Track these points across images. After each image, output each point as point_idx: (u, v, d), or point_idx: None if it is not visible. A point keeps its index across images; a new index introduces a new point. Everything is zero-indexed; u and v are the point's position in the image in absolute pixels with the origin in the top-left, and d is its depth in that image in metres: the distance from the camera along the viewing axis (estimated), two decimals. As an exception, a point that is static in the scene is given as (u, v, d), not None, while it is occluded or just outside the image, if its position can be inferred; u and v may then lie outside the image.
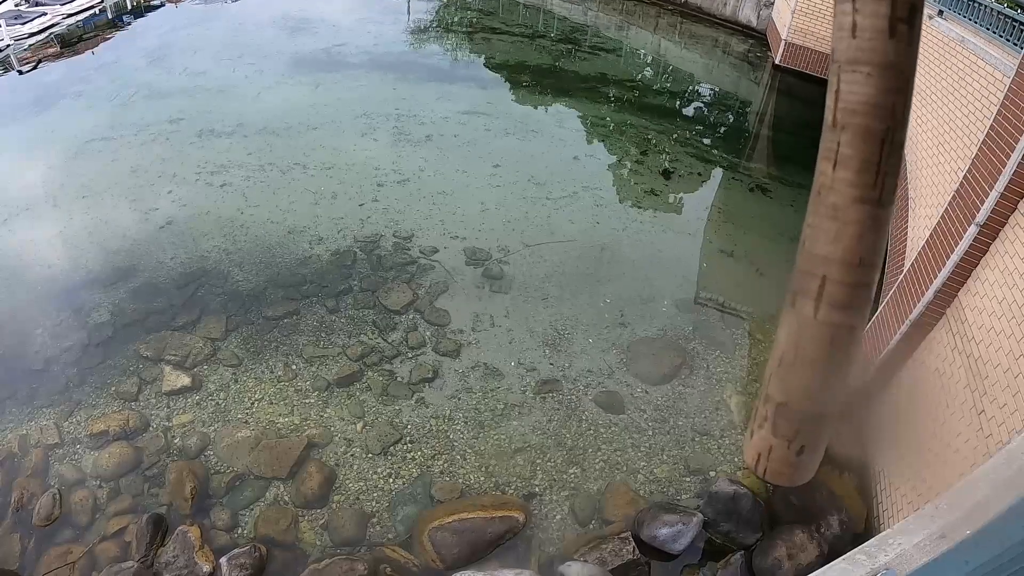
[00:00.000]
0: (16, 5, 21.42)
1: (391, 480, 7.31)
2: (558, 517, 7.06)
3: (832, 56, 0.49)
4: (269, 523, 6.78)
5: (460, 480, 7.34)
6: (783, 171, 15.17)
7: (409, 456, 7.58)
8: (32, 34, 20.01)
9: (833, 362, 0.54)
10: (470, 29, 24.54)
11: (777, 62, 19.90)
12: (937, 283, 6.77)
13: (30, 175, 12.43)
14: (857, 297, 0.51)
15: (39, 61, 18.47)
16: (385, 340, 9.11)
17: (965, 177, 6.88)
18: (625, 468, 7.61)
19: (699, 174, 14.65)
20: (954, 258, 6.58)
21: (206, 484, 7.12)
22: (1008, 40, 7.94)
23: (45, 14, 21.03)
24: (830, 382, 0.55)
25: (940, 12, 9.70)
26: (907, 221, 8.94)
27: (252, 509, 6.96)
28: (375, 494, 7.16)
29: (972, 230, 6.34)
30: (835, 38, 0.48)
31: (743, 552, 6.65)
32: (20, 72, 17.87)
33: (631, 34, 25.36)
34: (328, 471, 7.31)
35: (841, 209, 0.49)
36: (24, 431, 7.59)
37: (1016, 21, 7.78)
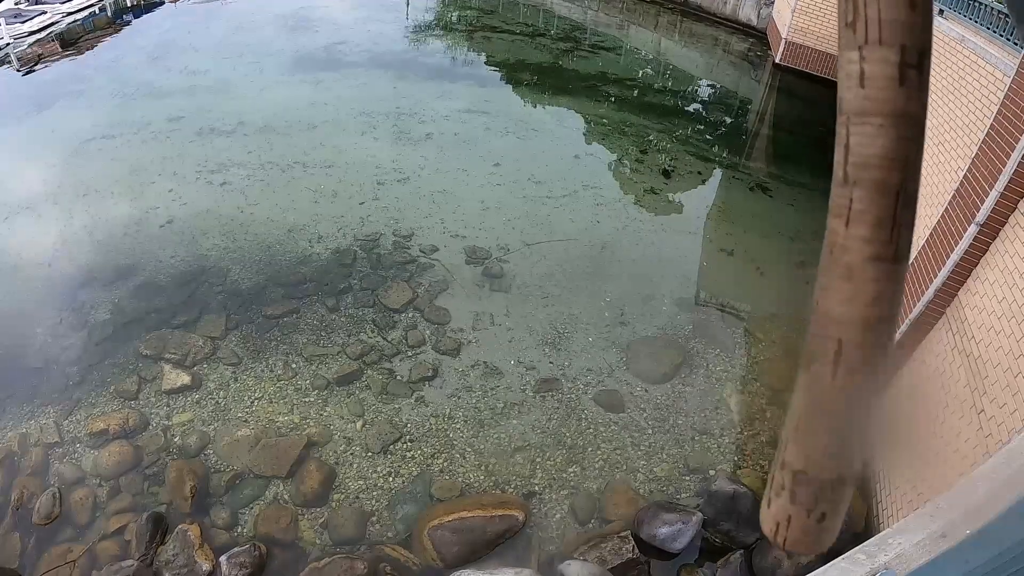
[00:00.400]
0: (16, 4, 21.41)
1: (391, 479, 7.31)
2: (558, 516, 7.06)
3: (839, 108, 0.47)
4: (269, 522, 6.78)
5: (460, 479, 7.34)
6: (783, 170, 15.16)
7: (409, 455, 7.58)
8: (32, 33, 19.99)
9: (853, 426, 0.53)
10: (470, 27, 24.53)
11: (777, 61, 19.88)
12: (937, 282, 6.77)
13: (30, 174, 12.43)
14: (876, 358, 0.50)
15: (39, 60, 18.46)
16: (385, 339, 9.11)
17: (965, 176, 6.87)
18: (625, 467, 7.61)
19: (699, 173, 14.65)
20: (954, 257, 6.58)
21: (206, 483, 7.12)
22: (1008, 39, 7.93)
23: (45, 12, 21.01)
24: (850, 446, 0.54)
25: (940, 11, 9.70)
26: (907, 220, 8.87)
27: (252, 508, 6.96)
28: (375, 493, 7.16)
29: (972, 229, 6.34)
30: (842, 88, 0.47)
31: (743, 551, 6.65)
32: (20, 71, 17.86)
33: (631, 33, 25.34)
34: (328, 470, 7.31)
35: (856, 268, 0.48)
36: (24, 430, 7.59)
37: (1016, 20, 7.75)
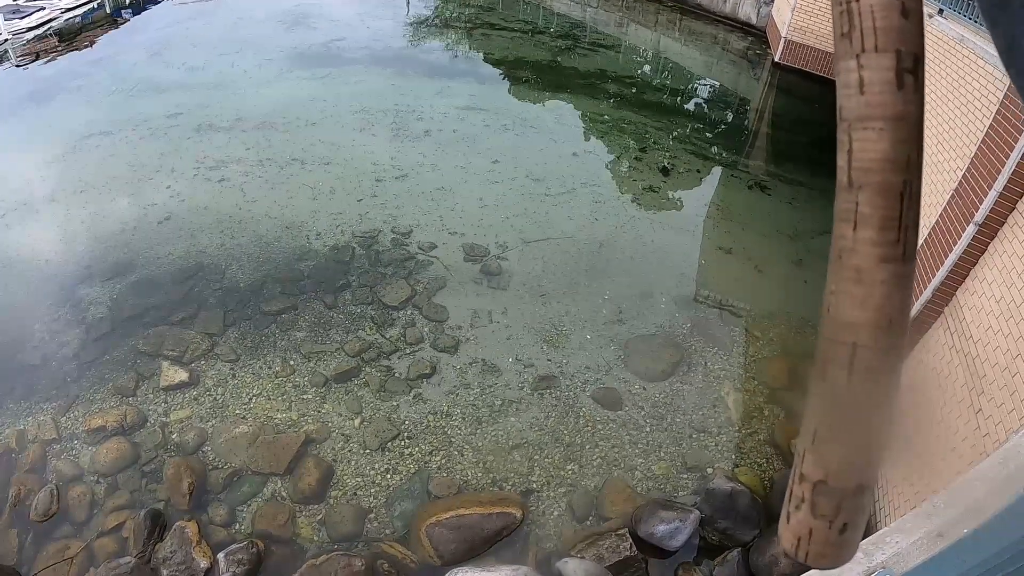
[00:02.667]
0: (14, 0, 21.36)
1: (389, 476, 7.31)
2: (555, 513, 7.07)
3: (840, 116, 0.48)
4: (266, 519, 6.78)
5: (458, 476, 7.35)
6: (782, 168, 15.16)
7: (407, 452, 7.58)
8: (30, 29, 19.94)
9: (871, 431, 0.53)
10: (469, 25, 24.49)
11: (777, 59, 19.87)
12: (935, 282, 6.78)
13: (28, 170, 12.40)
14: (890, 360, 0.50)
15: (37, 56, 18.41)
16: (383, 336, 9.11)
17: (964, 176, 6.88)
18: (623, 465, 7.62)
19: (698, 171, 14.65)
20: (952, 257, 6.58)
21: (204, 480, 7.12)
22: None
23: (43, 8, 20.95)
24: (870, 452, 0.54)
25: (940, 11, 9.69)
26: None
27: (250, 505, 6.96)
28: (373, 490, 7.16)
29: (971, 229, 6.35)
30: (842, 96, 0.48)
31: (740, 549, 6.66)
32: (18, 67, 17.81)
33: (630, 31, 25.32)
34: (326, 467, 7.31)
35: (865, 271, 0.48)
36: (22, 427, 7.58)
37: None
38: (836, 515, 0.58)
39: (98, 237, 10.67)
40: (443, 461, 7.51)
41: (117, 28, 21.24)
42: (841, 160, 0.52)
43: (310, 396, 8.19)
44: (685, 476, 7.56)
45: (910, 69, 0.49)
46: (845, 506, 0.58)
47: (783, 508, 0.63)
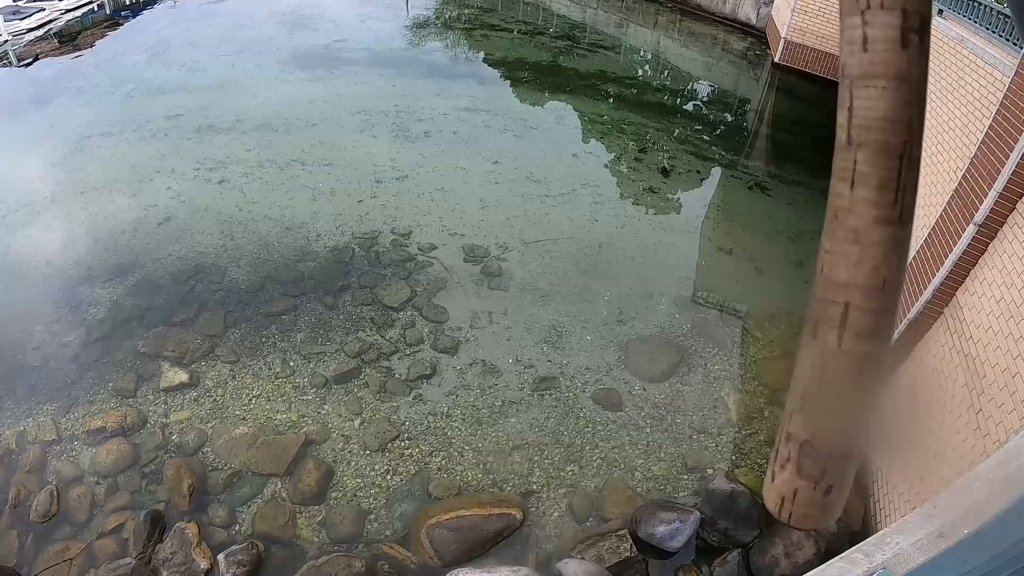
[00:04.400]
0: (14, 1, 21.35)
1: (389, 477, 7.31)
2: (556, 514, 7.06)
3: (842, 72, 0.47)
4: (266, 520, 6.77)
5: (458, 477, 7.34)
6: (782, 169, 15.17)
7: (407, 453, 7.58)
8: (30, 30, 19.94)
9: (861, 394, 0.51)
10: (469, 25, 24.49)
11: (776, 60, 19.88)
12: (935, 282, 6.77)
13: (28, 171, 12.40)
14: (882, 324, 0.48)
15: (37, 57, 18.42)
16: (383, 337, 9.11)
17: (964, 176, 6.88)
18: (623, 466, 7.61)
19: (698, 172, 14.65)
20: (952, 257, 6.58)
21: (204, 481, 7.12)
22: (1008, 40, 7.93)
23: (43, 10, 20.96)
24: (858, 415, 0.52)
25: (940, 11, 9.70)
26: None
27: (250, 506, 6.96)
28: (373, 491, 7.16)
29: (971, 229, 6.35)
30: (844, 53, 0.47)
31: (740, 550, 6.66)
32: (18, 68, 17.82)
33: (630, 31, 25.33)
34: (326, 468, 7.31)
35: (862, 231, 0.47)
36: (22, 427, 7.58)
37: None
38: (821, 476, 0.57)
39: (98, 238, 10.67)
40: (443, 462, 7.50)
41: (117, 29, 21.23)
42: (841, 117, 0.51)
43: (310, 397, 8.18)
44: (685, 477, 7.56)
45: (915, 29, 0.47)
46: (831, 468, 0.57)
47: (768, 467, 0.62)
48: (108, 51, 19.39)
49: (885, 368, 0.56)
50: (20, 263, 10.14)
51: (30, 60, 18.18)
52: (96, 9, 22.56)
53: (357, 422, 7.90)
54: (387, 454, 7.56)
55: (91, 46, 19.53)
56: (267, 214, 11.46)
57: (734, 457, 7.89)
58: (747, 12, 23.94)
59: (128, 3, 23.78)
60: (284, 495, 7.08)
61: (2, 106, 15.34)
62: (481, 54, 21.49)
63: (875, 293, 0.53)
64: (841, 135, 0.52)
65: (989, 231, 6.27)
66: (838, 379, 0.56)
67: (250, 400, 8.09)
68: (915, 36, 0.49)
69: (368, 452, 7.56)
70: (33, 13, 20.53)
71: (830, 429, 0.57)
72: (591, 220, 12.13)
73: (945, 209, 7.10)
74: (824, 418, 0.57)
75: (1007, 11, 8.08)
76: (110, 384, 8.17)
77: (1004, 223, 6.15)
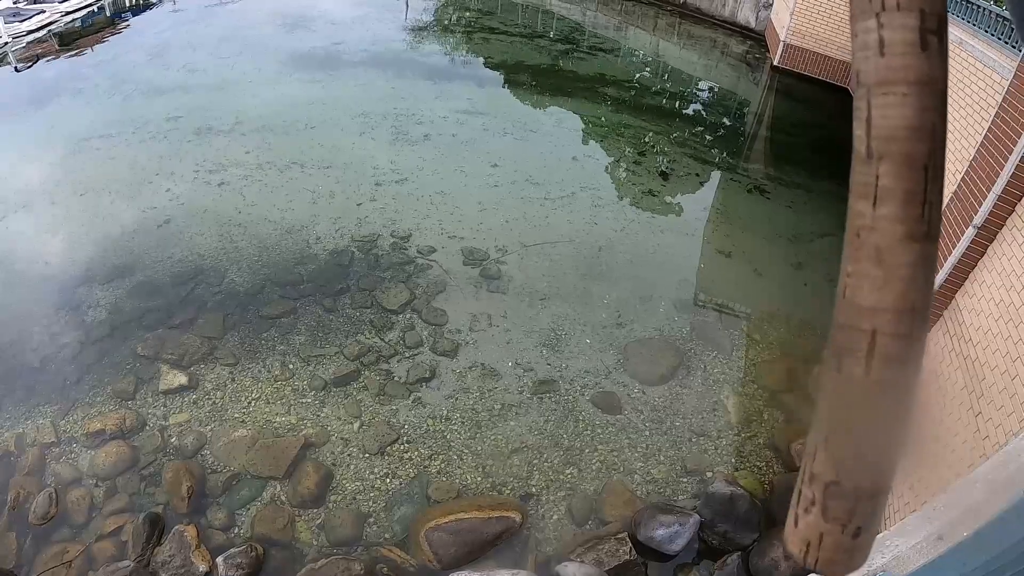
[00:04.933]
0: (14, 3, 21.36)
1: (388, 480, 7.30)
2: (555, 517, 7.05)
3: (857, 81, 0.43)
4: (266, 523, 6.76)
5: (457, 480, 7.34)
6: (781, 172, 15.18)
7: (406, 456, 7.57)
8: (30, 32, 19.95)
9: (891, 427, 0.47)
10: (469, 28, 24.52)
11: (775, 63, 19.91)
12: (935, 284, 6.77)
13: (28, 172, 12.40)
14: (912, 349, 0.45)
15: (37, 59, 18.42)
16: (382, 340, 9.11)
17: (963, 179, 6.89)
18: (622, 468, 7.61)
19: (697, 175, 14.66)
20: (952, 260, 6.59)
21: (203, 483, 7.11)
22: (1006, 43, 7.95)
23: (43, 11, 20.97)
24: (888, 450, 0.48)
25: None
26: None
27: (249, 508, 6.95)
28: (372, 494, 7.15)
29: (970, 232, 6.36)
30: (858, 59, 0.43)
31: (740, 553, 6.65)
32: (18, 70, 17.83)
33: (629, 34, 25.37)
34: (325, 471, 7.30)
35: (887, 251, 0.43)
36: (21, 430, 7.57)
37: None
38: (849, 518, 0.52)
39: (98, 240, 10.66)
40: (442, 465, 7.50)
41: (117, 31, 21.25)
42: (859, 129, 0.47)
43: (309, 400, 8.18)
44: (685, 480, 7.55)
45: (934, 30, 0.45)
46: (859, 509, 0.53)
47: (790, 510, 0.58)
48: (108, 53, 19.40)
49: (915, 397, 0.52)
50: (19, 264, 10.13)
51: (30, 62, 18.19)
52: (96, 11, 22.58)
53: (356, 425, 7.90)
54: (386, 457, 7.55)
55: (91, 48, 19.55)
56: (266, 216, 11.46)
57: (734, 460, 7.89)
58: (746, 15, 23.98)
59: (128, 5, 23.80)
60: (283, 498, 7.07)
61: (2, 107, 15.34)
62: (480, 57, 21.51)
63: (904, 317, 0.48)
64: (860, 148, 0.48)
65: (988, 233, 6.28)
66: (866, 412, 0.52)
67: (249, 403, 8.08)
68: (934, 37, 0.46)
69: (367, 455, 7.55)
70: (33, 15, 20.54)
71: (859, 467, 0.53)
72: (590, 223, 12.14)
73: (944, 211, 7.11)
74: (852, 455, 0.52)
75: (1006, 14, 8.10)
76: (109, 386, 8.16)
77: (1003, 225, 6.16)
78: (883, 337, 0.49)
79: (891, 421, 0.51)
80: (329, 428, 7.83)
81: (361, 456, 7.54)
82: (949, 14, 9.35)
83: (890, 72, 0.46)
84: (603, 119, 17.17)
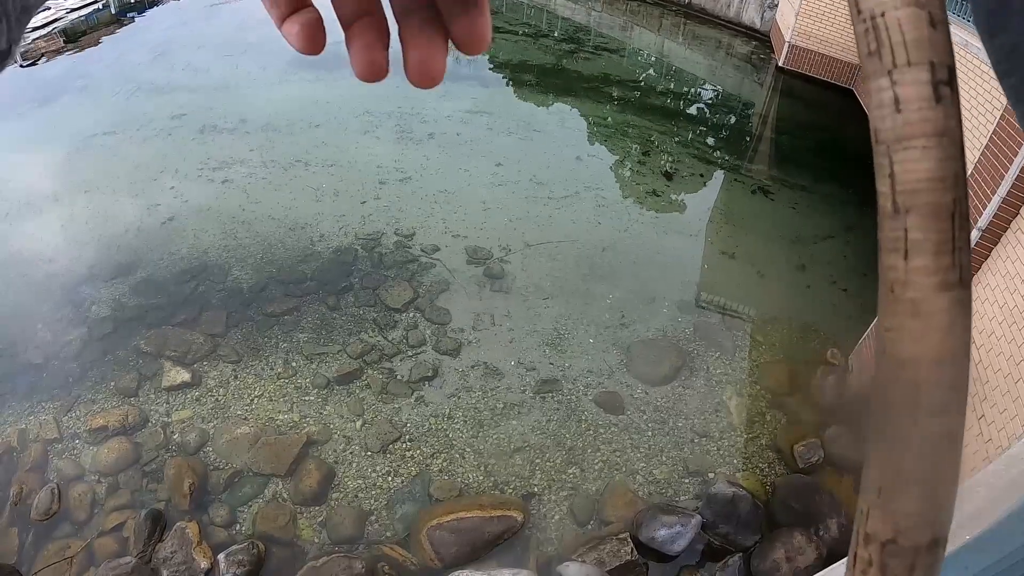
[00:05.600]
0: None
1: (390, 478, 7.31)
2: (557, 517, 7.06)
3: (876, 138, 0.45)
4: (267, 520, 6.78)
5: (459, 479, 7.34)
6: (785, 173, 15.15)
7: (408, 454, 7.58)
8: (35, 28, 19.99)
9: (943, 478, 0.47)
10: (473, 28, 24.47)
11: (780, 64, 19.87)
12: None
13: (31, 169, 12.43)
14: (957, 396, 0.45)
15: (42, 55, 18.47)
16: (385, 338, 9.11)
17: (967, 182, 6.87)
18: (624, 469, 7.61)
19: (701, 175, 14.64)
20: (955, 262, 6.57)
21: (205, 480, 7.13)
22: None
23: (48, 8, 21.02)
24: (943, 501, 0.48)
25: (944, 16, 9.70)
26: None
27: (250, 506, 6.96)
28: (374, 492, 7.16)
29: (974, 235, 6.34)
30: (876, 118, 0.45)
31: (741, 554, 6.65)
32: (22, 66, 17.86)
33: (634, 35, 25.34)
34: (327, 469, 7.31)
35: (923, 303, 0.44)
36: (23, 426, 7.59)
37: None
38: (910, 575, 0.52)
39: (101, 237, 10.69)
40: (444, 464, 7.50)
41: (122, 29, 21.29)
42: (883, 186, 0.48)
43: (312, 398, 8.19)
44: (687, 480, 7.55)
45: (945, 81, 0.46)
46: (919, 563, 0.52)
47: (846, 573, 0.58)
48: (113, 50, 19.44)
49: (962, 445, 0.52)
50: (22, 261, 10.16)
51: (35, 59, 18.24)
52: (101, 8, 22.62)
53: (359, 423, 7.90)
54: (388, 455, 7.56)
55: (96, 45, 19.59)
56: (270, 214, 11.47)
57: (736, 461, 7.88)
58: (751, 16, 23.93)
59: (134, 2, 23.85)
60: (285, 495, 7.08)
61: (6, 105, 15.38)
62: (484, 56, 21.50)
63: (946, 365, 0.49)
64: (885, 204, 0.49)
65: (992, 236, 6.26)
66: (919, 466, 0.52)
67: (252, 400, 8.10)
68: (946, 88, 0.47)
69: (369, 453, 7.56)
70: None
71: (916, 522, 0.52)
72: (594, 223, 12.13)
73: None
74: (907, 511, 0.52)
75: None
76: (112, 383, 8.18)
77: (1007, 228, 6.14)
78: (926, 387, 0.49)
79: (943, 473, 0.51)
80: (331, 426, 7.84)
81: (363, 454, 7.55)
82: (953, 15, 9.34)
83: (908, 127, 0.47)
84: (608, 119, 17.16)
